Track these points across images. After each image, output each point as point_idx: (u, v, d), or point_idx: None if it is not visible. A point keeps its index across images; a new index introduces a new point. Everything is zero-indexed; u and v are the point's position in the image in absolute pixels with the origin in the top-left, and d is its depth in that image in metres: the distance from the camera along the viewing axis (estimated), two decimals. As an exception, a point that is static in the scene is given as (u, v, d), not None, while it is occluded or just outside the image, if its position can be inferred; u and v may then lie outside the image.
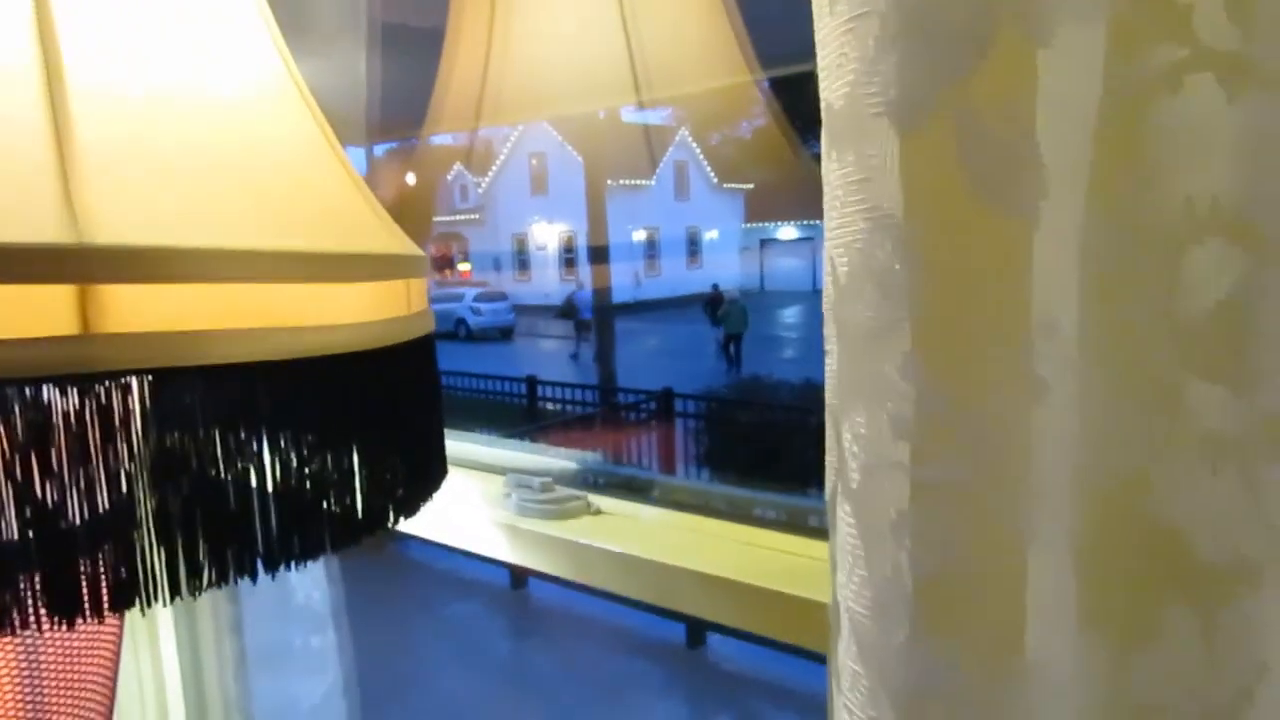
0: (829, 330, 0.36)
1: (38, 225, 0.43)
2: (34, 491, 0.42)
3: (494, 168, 26.91)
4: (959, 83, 0.30)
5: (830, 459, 0.37)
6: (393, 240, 0.62)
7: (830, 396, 0.36)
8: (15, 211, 0.44)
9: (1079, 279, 0.28)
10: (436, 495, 0.65)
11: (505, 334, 21.20)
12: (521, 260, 27.68)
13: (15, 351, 0.41)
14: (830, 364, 0.36)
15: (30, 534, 0.42)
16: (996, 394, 0.29)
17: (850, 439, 0.33)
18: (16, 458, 0.41)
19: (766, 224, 26.88)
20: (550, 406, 8.02)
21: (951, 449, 0.30)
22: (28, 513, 0.42)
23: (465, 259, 29.43)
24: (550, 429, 6.81)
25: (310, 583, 1.17)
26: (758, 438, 6.80)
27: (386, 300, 0.59)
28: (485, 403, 8.23)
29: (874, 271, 0.32)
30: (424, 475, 0.63)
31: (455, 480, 1.00)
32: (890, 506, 0.31)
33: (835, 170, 0.34)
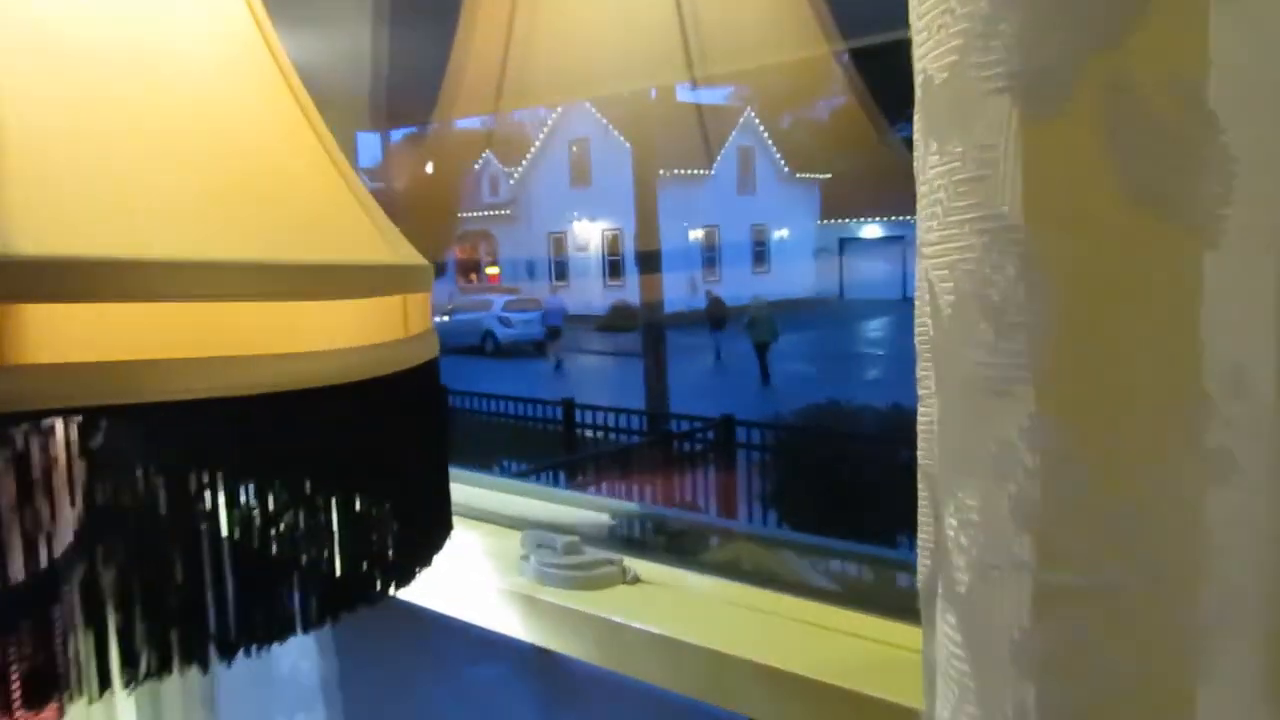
0: (925, 373, 0.33)
1: (-52, 232, 0.42)
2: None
3: (528, 156, 27.30)
4: (1109, 49, 0.25)
5: (924, 537, 0.33)
6: (388, 247, 0.60)
7: (925, 456, 0.33)
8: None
9: (1275, 315, 0.24)
10: (438, 557, 0.63)
11: (539, 349, 21.42)
12: (559, 264, 27.95)
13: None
14: (926, 416, 0.32)
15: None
16: (1158, 471, 0.25)
17: (955, 525, 0.29)
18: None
19: (846, 221, 26.83)
20: (590, 435, 8.02)
21: (1095, 545, 0.26)
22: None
23: (494, 261, 29.85)
24: (588, 462, 6.81)
25: (297, 651, 1.15)
26: (836, 475, 6.70)
27: (379, 321, 0.57)
28: (515, 429, 8.26)
29: (989, 302, 0.28)
30: (422, 534, 0.61)
31: (461, 536, 0.97)
32: (1011, 622, 0.27)
33: (935, 165, 0.30)
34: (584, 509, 0.94)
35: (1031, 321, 0.28)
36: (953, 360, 0.30)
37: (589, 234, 26.78)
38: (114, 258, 0.44)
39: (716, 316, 19.50)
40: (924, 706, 0.34)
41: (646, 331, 12.57)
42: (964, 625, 0.29)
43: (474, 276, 30.14)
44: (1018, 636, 0.27)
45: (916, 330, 0.34)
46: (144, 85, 0.51)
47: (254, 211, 0.52)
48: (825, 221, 28.58)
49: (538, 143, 26.89)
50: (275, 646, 0.51)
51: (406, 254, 0.63)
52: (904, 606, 0.68)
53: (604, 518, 0.93)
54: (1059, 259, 0.27)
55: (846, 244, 27.53)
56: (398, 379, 0.58)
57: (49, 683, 0.42)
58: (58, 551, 0.44)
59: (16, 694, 0.42)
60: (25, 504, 0.42)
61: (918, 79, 0.32)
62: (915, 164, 0.33)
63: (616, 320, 22.35)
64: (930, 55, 0.30)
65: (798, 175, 27.59)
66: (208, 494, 0.48)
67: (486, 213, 28.31)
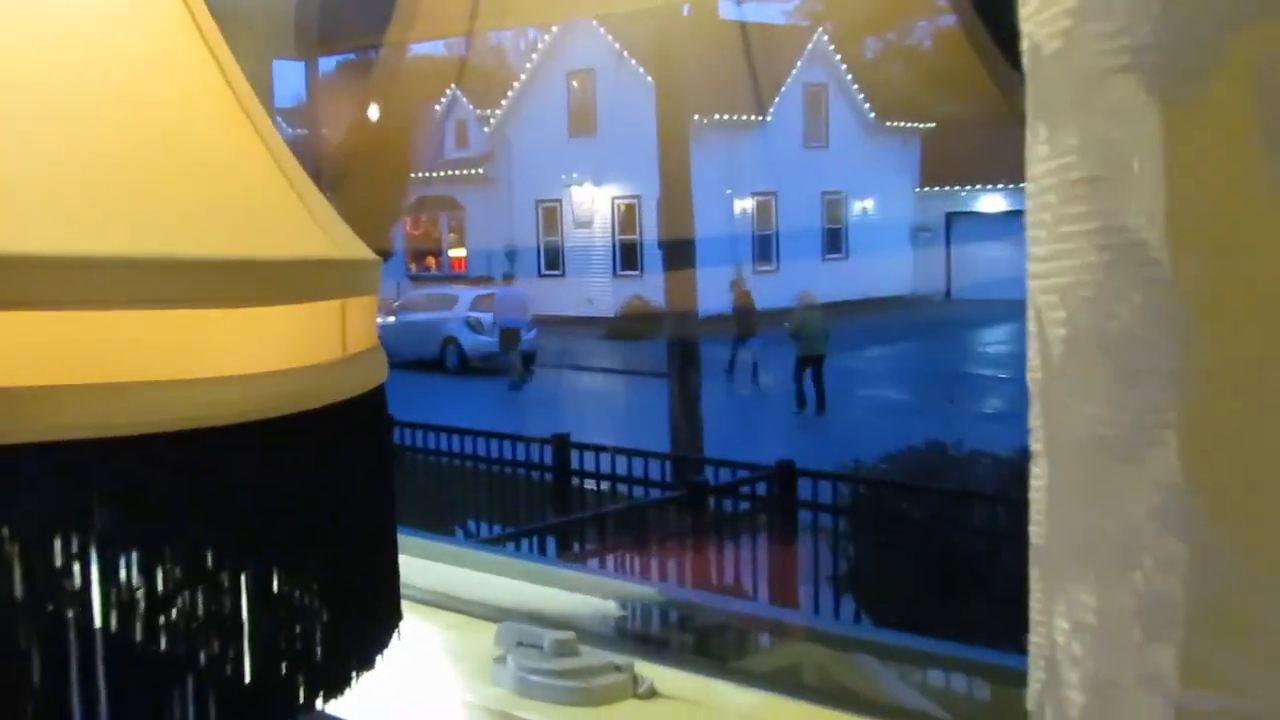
0: (1035, 425, 0.34)
1: None
2: None
3: (510, 94, 27.43)
4: (1264, 20, 0.27)
5: (1038, 640, 0.35)
6: (325, 237, 0.62)
7: (1037, 532, 0.34)
8: None
9: None
10: (382, 658, 0.65)
11: (522, 364, 21.38)
12: (551, 246, 27.96)
13: None
14: (1037, 481, 0.34)
15: None
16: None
17: (1067, 630, 0.31)
18: None
19: (956, 188, 26.86)
20: (592, 486, 8.00)
21: (1253, 660, 0.28)
22: None
23: (460, 241, 29.95)
24: (589, 526, 6.80)
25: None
26: (940, 549, 6.64)
27: (310, 335, 0.59)
28: (489, 478, 8.24)
29: (1112, 339, 0.30)
30: (361, 625, 0.63)
31: (415, 629, 0.97)
32: (1140, 758, 0.29)
33: (1045, 158, 0.32)
34: (582, 593, 0.95)
35: (1167, 366, 0.29)
36: (1065, 413, 0.31)
37: (593, 204, 26.81)
38: (-38, 253, 0.46)
39: (746, 321, 19.58)
40: None
41: (674, 342, 12.52)
42: (1078, 760, 0.30)
43: (431, 262, 30.21)
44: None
45: (1028, 367, 0.36)
46: (36, 54, 0.53)
47: (145, 190, 0.54)
48: (926, 189, 28.67)
49: (524, 75, 27.05)
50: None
51: (348, 245, 0.65)
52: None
53: (609, 606, 0.94)
54: (1203, 285, 0.29)
55: (956, 221, 27.55)
56: (332, 415, 0.60)
57: None
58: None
59: None
60: None
61: (1024, 45, 0.34)
62: (1026, 155, 0.35)
63: (630, 325, 22.40)
64: (1038, 17, 0.32)
65: (888, 124, 27.69)
66: (76, 568, 0.49)
67: (451, 172, 28.43)
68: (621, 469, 7.64)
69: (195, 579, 0.53)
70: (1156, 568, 0.29)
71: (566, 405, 16.71)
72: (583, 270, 25.79)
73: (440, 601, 0.97)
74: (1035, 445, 0.35)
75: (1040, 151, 0.33)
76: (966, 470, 7.19)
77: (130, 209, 0.53)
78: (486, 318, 20.21)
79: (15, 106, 0.52)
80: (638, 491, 7.64)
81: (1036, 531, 0.35)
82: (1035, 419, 0.34)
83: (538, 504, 8.08)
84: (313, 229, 0.63)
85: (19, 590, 0.48)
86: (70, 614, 0.49)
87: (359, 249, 0.67)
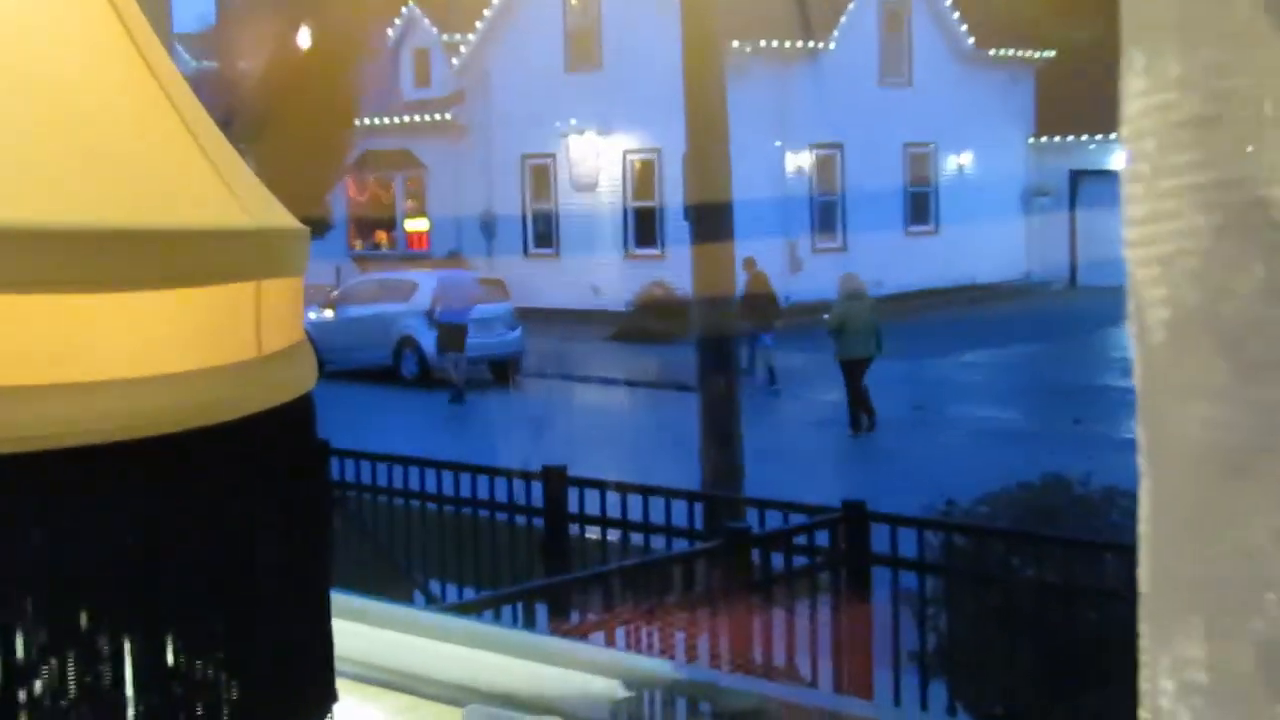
0: (1141, 440, 0.35)
1: None
2: None
3: (486, 14, 27.46)
4: None
5: (1145, 713, 0.36)
6: (236, 203, 0.64)
7: (1145, 580, 0.35)
8: None
9: None
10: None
11: (501, 374, 21.29)
12: (542, 215, 27.90)
13: None
14: (1144, 508, 0.35)
15: None
16: None
17: (1173, 689, 0.32)
18: None
19: (1083, 138, 26.76)
20: (595, 537, 7.95)
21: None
22: None
23: (420, 209, 29.99)
24: (589, 587, 6.77)
25: None
26: (1058, 614, 6.57)
27: (214, 327, 0.60)
28: (457, 525, 8.19)
29: (1226, 322, 0.31)
30: (280, 709, 0.64)
31: (354, 714, 0.99)
32: None
33: (1141, 92, 0.33)
34: (576, 670, 0.96)
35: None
36: (1169, 417, 0.32)
37: (598, 158, 26.80)
38: None
39: (761, 311, 19.71)
40: None
41: (705, 345, 12.42)
42: None
43: (383, 238, 30.24)
44: None
45: (1135, 373, 0.37)
46: None
47: (14, 152, 0.55)
48: (1043, 139, 28.64)
49: (504, -11, 27.06)
50: None
51: (265, 212, 0.67)
52: None
53: (611, 687, 0.95)
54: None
55: (1083, 182, 27.51)
56: (244, 432, 0.61)
57: None
58: None
59: None
60: None
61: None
62: (1120, 86, 0.36)
63: (647, 322, 22.39)
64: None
65: (992, 53, 27.66)
66: None
67: (408, 119, 28.47)
68: (633, 512, 7.64)
69: (65, 643, 0.54)
70: (1280, 608, 0.31)
71: (557, 429, 16.69)
72: (584, 247, 25.73)
73: (388, 680, 0.98)
74: (1141, 461, 0.36)
75: (1136, 86, 0.34)
76: (1098, 514, 7.15)
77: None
78: (456, 312, 20.21)
79: None
80: (657, 542, 7.63)
81: (1144, 576, 0.36)
82: (1141, 430, 0.36)
83: (524, 559, 8.06)
84: (219, 190, 0.64)
85: None
86: None
87: (280, 216, 0.68)
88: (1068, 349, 20.49)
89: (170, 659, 0.57)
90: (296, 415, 0.68)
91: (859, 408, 16.42)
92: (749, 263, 19.11)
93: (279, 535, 0.65)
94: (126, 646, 0.56)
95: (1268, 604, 0.31)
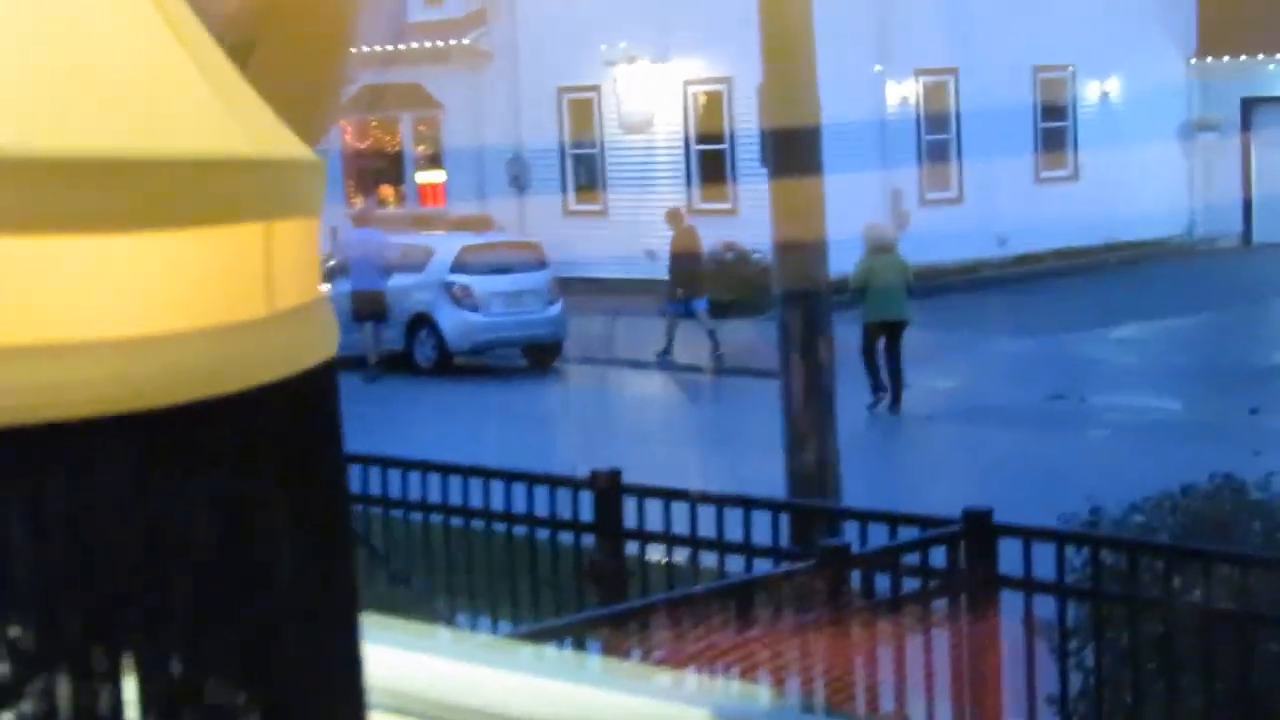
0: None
1: None
2: None
3: (512, -91, 27.37)
4: None
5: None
6: (238, 128, 0.65)
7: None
8: None
9: None
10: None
11: (540, 358, 21.28)
12: (583, 164, 27.82)
13: None
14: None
15: None
16: None
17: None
18: None
19: (1258, 58, 26.53)
20: (658, 557, 7.97)
21: None
22: None
23: (434, 159, 29.99)
24: (654, 622, 6.78)
25: None
26: (1239, 649, 6.52)
27: (216, 277, 0.62)
28: (487, 545, 8.21)
29: None
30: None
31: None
32: None
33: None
34: (646, 695, 0.97)
35: None
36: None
37: (653, 92, 26.72)
38: None
39: (686, 272, 20.07)
40: None
41: (788, 323, 12.33)
42: None
43: (388, 193, 30.27)
44: None
45: None
46: None
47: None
48: (1207, 59, 28.48)
49: (535, -125, 26.99)
50: None
51: (274, 139, 0.68)
52: None
53: (698, 716, 0.96)
54: None
55: (1258, 111, 27.37)
56: (253, 405, 0.63)
57: None
58: None
59: None
60: None
61: None
62: None
63: (716, 288, 22.34)
64: None
65: (1144, -51, 27.43)
66: None
67: (418, 45, 28.46)
68: (705, 527, 7.65)
69: (56, 655, 0.55)
70: None
71: (600, 427, 16.70)
72: (637, 202, 25.68)
73: (419, 709, 1.00)
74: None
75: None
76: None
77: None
78: (482, 283, 20.27)
79: None
80: (734, 564, 7.65)
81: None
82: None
83: (569, 586, 8.09)
84: (219, 113, 0.65)
85: None
86: None
87: (290, 145, 0.69)
88: (1241, 321, 20.41)
89: (176, 676, 0.58)
90: (315, 386, 0.69)
91: (890, 380, 16.78)
92: (674, 214, 19.62)
93: (298, 530, 0.66)
94: (125, 662, 0.57)
95: None
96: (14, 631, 0.54)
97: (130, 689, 0.56)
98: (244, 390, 0.61)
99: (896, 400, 16.79)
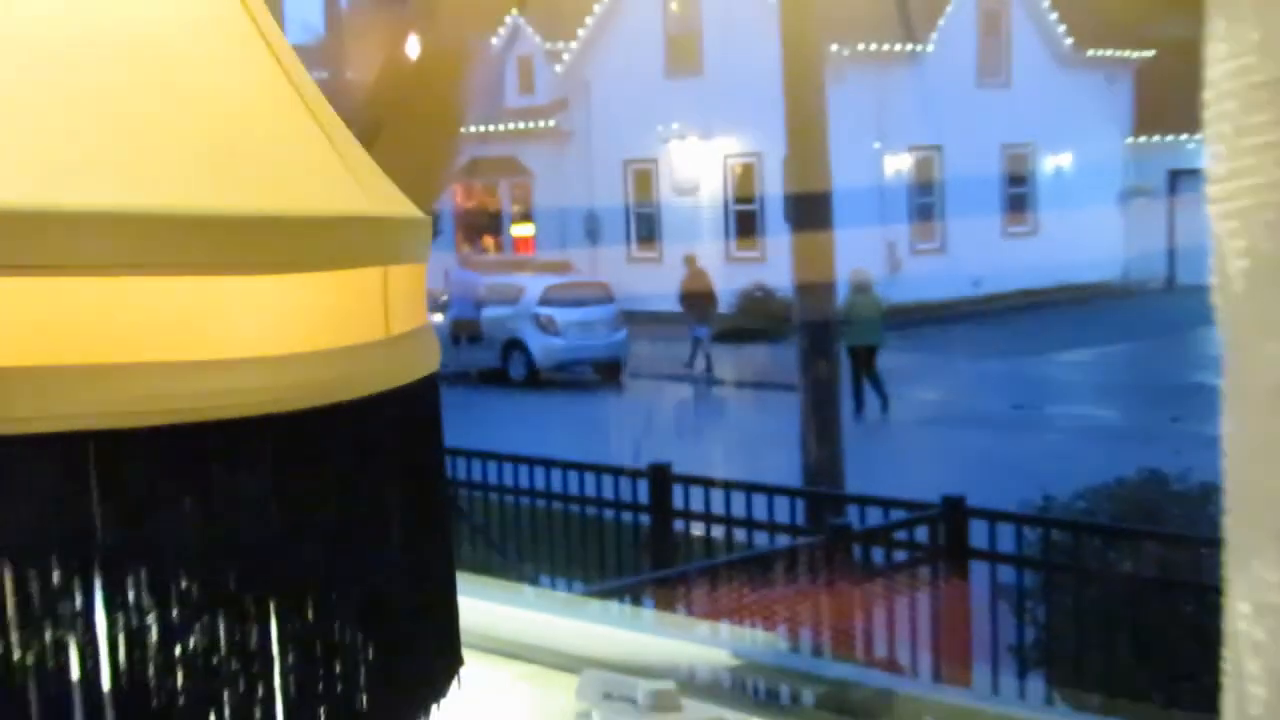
0: (1225, 387, 0.37)
1: None
2: None
3: (588, 20, 27.48)
4: None
5: (1229, 651, 0.37)
6: (362, 192, 0.66)
7: (1231, 516, 0.37)
8: None
9: None
10: (439, 708, 0.68)
11: (607, 374, 21.35)
12: (644, 220, 27.90)
13: None
14: (1227, 443, 0.37)
15: None
16: None
17: (1249, 611, 0.33)
18: None
19: (1182, 138, 26.36)
20: (700, 532, 7.97)
21: None
22: None
23: (525, 215, 30.03)
24: (695, 583, 6.78)
25: None
26: (1157, 610, 6.52)
27: (345, 309, 0.62)
28: (564, 521, 8.24)
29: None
30: (414, 669, 0.66)
31: (480, 677, 1.02)
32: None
33: (1224, 60, 0.34)
34: (685, 643, 0.98)
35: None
36: (1248, 357, 0.34)
37: (699, 163, 26.74)
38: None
39: (700, 305, 20.28)
40: None
41: (806, 347, 12.36)
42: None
43: (489, 242, 30.35)
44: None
45: (1216, 312, 0.38)
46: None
47: (162, 144, 0.58)
48: (1141, 138, 28.20)
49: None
50: None
51: (391, 201, 0.69)
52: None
53: (721, 657, 0.97)
54: None
55: (1182, 181, 27.07)
56: (373, 409, 0.63)
57: None
58: None
59: None
60: None
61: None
62: (1206, 55, 0.37)
63: (748, 322, 22.34)
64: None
65: (1091, 53, 27.29)
66: (77, 591, 0.52)
67: (513, 125, 28.53)
68: (738, 509, 7.63)
69: (217, 603, 0.56)
70: (1354, 533, 0.32)
71: (664, 428, 16.73)
72: (685, 247, 25.71)
73: (511, 650, 1.00)
74: (1224, 402, 0.37)
75: (1219, 51, 0.36)
76: (1196, 509, 7.07)
77: (126, 157, 0.56)
78: (563, 315, 20.32)
79: None
80: (760, 539, 7.63)
81: (1232, 514, 0.38)
82: (1227, 376, 0.37)
83: (629, 554, 8.09)
84: (348, 181, 0.66)
85: (13, 619, 0.51)
86: (68, 644, 0.52)
87: (403, 205, 0.70)
88: (1165, 347, 20.21)
89: (313, 622, 0.59)
90: (421, 394, 0.69)
91: (869, 391, 16.88)
92: (689, 259, 19.91)
93: (406, 504, 0.67)
94: (270, 606, 0.57)
95: (1344, 530, 0.33)
96: (185, 583, 0.54)
97: (274, 630, 0.57)
98: (366, 396, 0.62)
99: (885, 404, 16.81)
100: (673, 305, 22.79)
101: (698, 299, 21.09)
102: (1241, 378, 0.36)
